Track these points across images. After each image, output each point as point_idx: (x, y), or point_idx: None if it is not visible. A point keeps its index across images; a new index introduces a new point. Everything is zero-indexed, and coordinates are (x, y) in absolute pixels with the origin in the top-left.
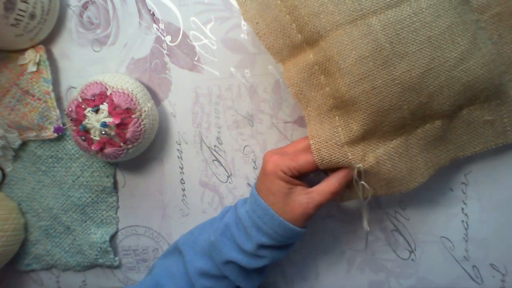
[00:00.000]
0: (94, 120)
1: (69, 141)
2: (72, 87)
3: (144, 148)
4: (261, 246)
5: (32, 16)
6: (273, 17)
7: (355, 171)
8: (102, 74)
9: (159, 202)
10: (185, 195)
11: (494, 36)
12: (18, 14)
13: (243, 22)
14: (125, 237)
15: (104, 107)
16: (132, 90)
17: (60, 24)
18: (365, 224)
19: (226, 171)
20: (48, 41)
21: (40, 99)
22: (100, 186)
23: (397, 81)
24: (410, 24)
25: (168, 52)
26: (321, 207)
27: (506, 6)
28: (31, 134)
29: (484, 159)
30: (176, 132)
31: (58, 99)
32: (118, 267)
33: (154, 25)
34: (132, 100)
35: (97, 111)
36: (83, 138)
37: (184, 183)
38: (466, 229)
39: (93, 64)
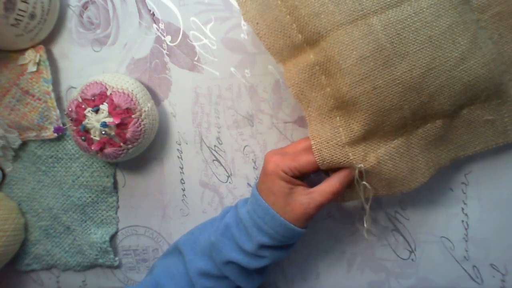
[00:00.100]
0: (94, 120)
1: (69, 141)
2: (72, 87)
3: (144, 148)
4: (262, 246)
5: (32, 16)
6: (273, 18)
7: (356, 171)
8: (102, 74)
9: (159, 202)
10: (185, 195)
11: (495, 36)
12: (18, 14)
13: (243, 22)
14: (125, 237)
15: (104, 107)
16: (132, 90)
17: (60, 24)
18: (366, 224)
19: (226, 171)
20: (48, 41)
21: (40, 99)
22: (100, 186)
23: (398, 81)
24: (411, 24)
25: (168, 52)
26: (322, 207)
27: (506, 6)
28: (31, 134)
29: (484, 159)
30: (176, 132)
31: (58, 99)
32: (118, 267)
33: (154, 25)
34: (132, 100)
35: (97, 111)
36: (83, 138)
37: (184, 183)
38: (466, 229)
39: (93, 64)
